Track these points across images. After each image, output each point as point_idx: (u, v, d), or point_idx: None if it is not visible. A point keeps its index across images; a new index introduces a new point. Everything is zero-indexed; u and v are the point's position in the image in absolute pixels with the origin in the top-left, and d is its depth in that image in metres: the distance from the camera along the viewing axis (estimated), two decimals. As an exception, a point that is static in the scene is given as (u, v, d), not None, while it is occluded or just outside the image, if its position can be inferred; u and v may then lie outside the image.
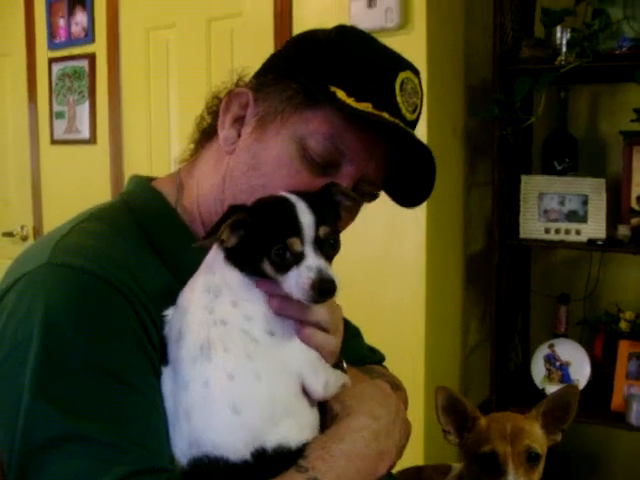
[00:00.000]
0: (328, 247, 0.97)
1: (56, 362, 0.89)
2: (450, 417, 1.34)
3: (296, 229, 0.95)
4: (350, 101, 1.03)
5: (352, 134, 1.06)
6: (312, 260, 0.94)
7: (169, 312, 1.00)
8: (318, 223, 0.96)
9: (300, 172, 1.06)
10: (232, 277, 0.99)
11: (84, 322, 0.92)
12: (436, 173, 1.11)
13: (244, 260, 0.98)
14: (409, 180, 1.16)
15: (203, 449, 0.92)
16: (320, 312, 1.01)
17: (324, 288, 0.94)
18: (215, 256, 1.02)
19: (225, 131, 1.13)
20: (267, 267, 0.96)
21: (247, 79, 1.17)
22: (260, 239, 0.96)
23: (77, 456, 0.86)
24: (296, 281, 0.94)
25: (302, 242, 0.95)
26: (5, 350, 0.93)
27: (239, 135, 1.12)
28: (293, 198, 0.98)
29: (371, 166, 1.10)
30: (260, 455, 0.92)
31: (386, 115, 1.05)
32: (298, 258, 0.95)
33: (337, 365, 1.08)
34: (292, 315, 0.99)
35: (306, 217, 0.95)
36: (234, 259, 0.99)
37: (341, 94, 1.03)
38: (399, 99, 1.08)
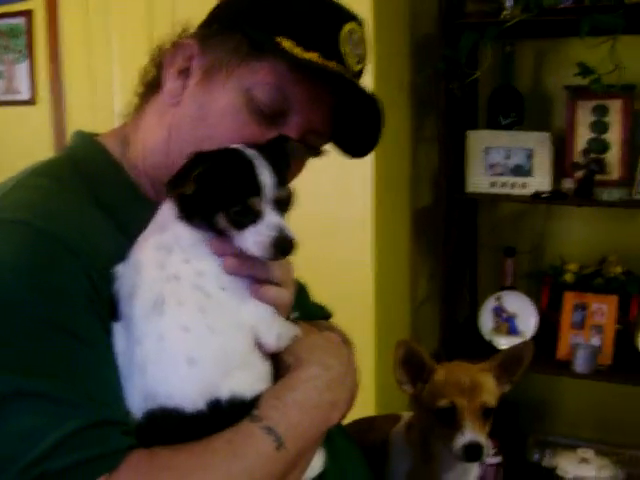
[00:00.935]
0: (285, 204, 0.99)
1: (3, 319, 0.88)
2: (405, 367, 1.35)
3: (256, 189, 0.96)
4: (297, 51, 1.03)
5: (299, 84, 1.06)
6: (272, 218, 0.96)
7: (119, 268, 0.99)
8: (278, 183, 0.97)
9: (247, 123, 1.06)
10: (184, 234, 0.99)
11: (31, 277, 0.90)
12: (383, 123, 1.12)
13: (197, 213, 0.98)
14: (356, 130, 1.16)
15: (158, 401, 0.92)
16: (273, 267, 1.02)
17: (284, 245, 0.96)
18: (167, 212, 1.01)
19: (170, 83, 1.11)
20: (223, 223, 0.96)
21: (191, 30, 1.15)
22: (219, 195, 0.96)
23: (28, 412, 0.85)
24: (255, 239, 0.95)
25: (262, 201, 0.96)
26: None
27: (184, 87, 1.10)
28: (251, 154, 0.98)
29: (318, 116, 1.10)
30: (215, 405, 0.93)
31: (333, 65, 1.05)
32: (257, 216, 0.96)
33: (287, 318, 1.08)
34: (247, 273, 1.00)
35: (266, 176, 0.96)
36: (187, 215, 0.99)
37: (287, 44, 1.03)
38: (345, 49, 1.08)
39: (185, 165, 0.96)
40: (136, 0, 3.24)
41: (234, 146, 1.00)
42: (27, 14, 3.65)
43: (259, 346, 1.00)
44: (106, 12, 3.39)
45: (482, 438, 1.27)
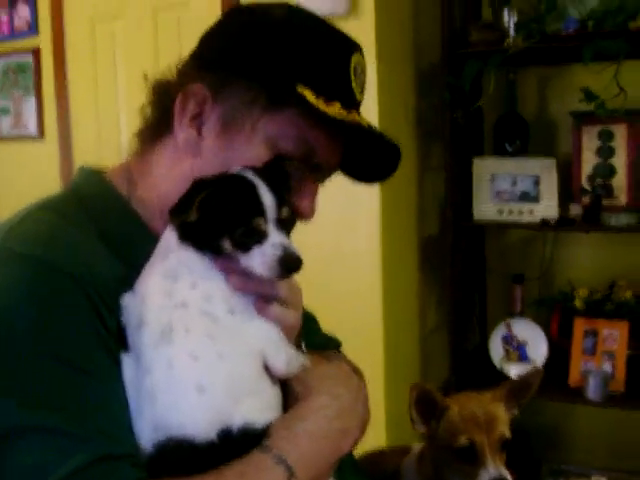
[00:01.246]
0: (288, 224, 1.00)
1: (8, 352, 0.87)
2: (418, 408, 1.34)
3: (260, 210, 0.96)
4: (320, 102, 1.03)
5: (322, 134, 1.07)
6: (276, 237, 0.96)
7: (126, 299, 0.99)
8: (280, 203, 0.98)
9: None
10: (188, 258, 0.99)
11: (37, 311, 0.90)
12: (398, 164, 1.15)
13: (201, 239, 0.98)
14: (366, 165, 1.18)
15: (168, 431, 0.91)
16: (280, 287, 1.01)
17: (290, 263, 0.96)
18: (169, 238, 1.01)
19: (185, 132, 1.08)
20: (228, 246, 0.96)
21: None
22: (222, 219, 0.96)
23: (35, 447, 0.84)
24: (261, 259, 0.95)
25: (266, 221, 0.96)
26: None
27: (199, 133, 1.07)
28: (251, 176, 0.99)
29: (336, 156, 1.12)
30: (225, 435, 0.92)
31: (354, 115, 1.07)
32: (262, 236, 0.96)
33: (298, 347, 1.07)
34: (253, 291, 0.99)
35: (267, 197, 0.97)
36: (190, 238, 0.99)
37: (308, 94, 1.03)
38: (354, 84, 1.09)
39: (187, 192, 0.96)
40: (142, 38, 3.28)
41: (232, 170, 1.01)
42: (35, 51, 3.70)
43: (268, 370, 0.99)
44: (112, 49, 3.43)
45: (506, 472, 1.26)
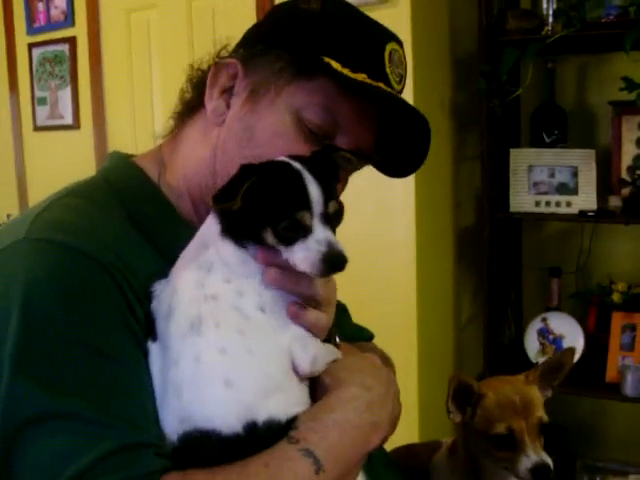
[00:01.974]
0: (334, 219, 0.96)
1: (36, 338, 0.87)
2: (455, 397, 1.31)
3: (306, 203, 0.92)
4: (346, 72, 1.02)
5: (347, 105, 1.05)
6: (321, 233, 0.92)
7: (158, 287, 0.98)
8: (327, 197, 0.94)
9: (295, 143, 1.05)
10: (227, 251, 0.97)
11: (65, 297, 0.89)
12: (430, 142, 1.10)
13: (243, 228, 0.96)
14: (399, 150, 1.15)
15: (194, 423, 0.90)
16: (315, 285, 0.99)
17: (335, 261, 0.92)
18: (210, 228, 0.99)
19: (213, 102, 1.10)
20: (270, 238, 0.93)
21: (230, 50, 1.14)
22: (266, 210, 0.93)
23: (62, 433, 0.84)
24: (304, 254, 0.92)
25: (311, 215, 0.92)
26: None
27: (228, 106, 1.09)
28: (299, 166, 0.95)
29: (364, 136, 1.09)
30: (251, 428, 0.90)
31: (382, 85, 1.05)
32: (306, 231, 0.92)
33: (329, 340, 1.06)
34: (287, 287, 0.97)
35: (315, 190, 0.93)
36: (231, 228, 0.96)
37: (336, 65, 1.02)
38: (388, 70, 1.08)
39: (233, 178, 0.94)
40: (177, 27, 3.28)
41: (281, 159, 0.98)
42: (71, 41, 3.72)
43: (294, 369, 0.97)
44: (147, 38, 3.44)
45: (547, 457, 1.23)
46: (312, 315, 0.99)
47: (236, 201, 0.91)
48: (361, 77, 1.03)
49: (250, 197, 0.92)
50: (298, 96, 1.05)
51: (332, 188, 0.97)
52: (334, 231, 0.95)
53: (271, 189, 0.93)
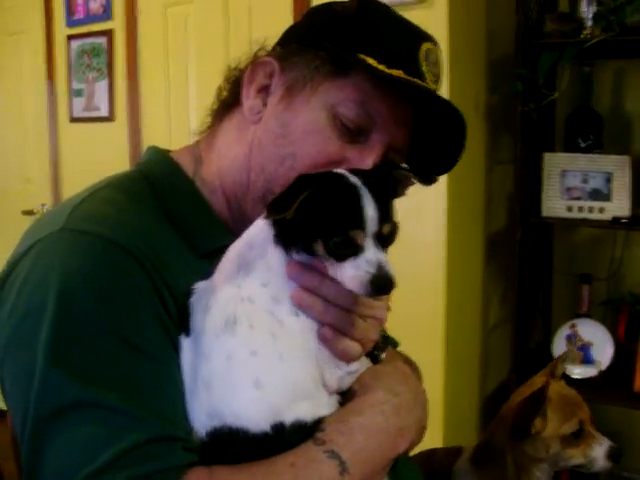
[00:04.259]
0: (387, 240, 0.94)
1: (71, 329, 0.88)
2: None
3: (360, 222, 0.91)
4: (382, 67, 1.02)
5: (383, 101, 1.05)
6: (372, 253, 0.91)
7: (201, 284, 0.99)
8: (382, 217, 0.92)
9: (331, 139, 1.05)
10: (275, 256, 0.96)
11: (100, 289, 0.91)
12: (465, 140, 1.09)
13: (296, 239, 0.95)
14: (437, 147, 1.14)
15: (223, 420, 0.91)
16: (345, 318, 0.97)
17: (382, 284, 0.91)
18: (259, 231, 0.99)
19: (250, 101, 1.11)
20: (321, 250, 0.93)
21: (267, 49, 1.15)
22: (320, 223, 0.92)
23: (91, 422, 0.85)
24: (353, 273, 0.91)
25: (364, 235, 0.91)
26: (19, 316, 0.92)
27: (264, 104, 1.10)
28: (356, 181, 0.93)
29: (399, 134, 1.09)
30: (279, 429, 0.91)
31: (418, 81, 1.04)
32: (358, 250, 0.91)
33: (372, 353, 1.06)
34: (313, 312, 0.96)
35: (371, 209, 0.91)
36: (282, 236, 0.96)
37: (372, 61, 1.02)
38: (424, 68, 1.07)
39: (289, 189, 0.93)
40: (213, 22, 3.30)
41: (339, 171, 0.97)
42: (108, 33, 3.76)
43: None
44: (184, 32, 3.46)
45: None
46: (342, 344, 0.98)
47: (290, 212, 0.90)
48: (397, 73, 1.03)
49: (304, 209, 0.91)
50: (333, 92, 1.06)
51: (388, 207, 0.95)
52: (386, 251, 0.94)
53: (326, 203, 0.92)
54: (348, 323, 0.98)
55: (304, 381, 0.95)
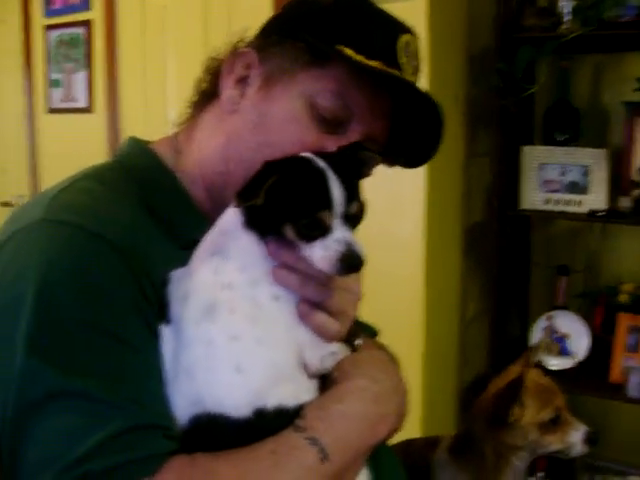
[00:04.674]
0: (355, 219, 0.96)
1: (50, 319, 0.88)
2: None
3: (328, 203, 0.93)
4: (360, 58, 1.03)
5: (361, 91, 1.05)
6: (341, 233, 0.93)
7: (177, 272, 0.99)
8: (349, 197, 0.94)
9: (308, 129, 1.05)
10: (247, 242, 0.98)
11: (79, 279, 0.90)
12: (443, 132, 1.10)
13: (264, 223, 0.97)
14: (414, 138, 1.15)
15: (205, 406, 0.91)
16: (324, 292, 0.99)
17: (352, 262, 0.93)
18: (230, 218, 1.00)
19: (228, 91, 1.11)
20: (290, 234, 0.94)
21: (247, 40, 1.15)
22: (288, 206, 0.94)
23: (71, 412, 0.85)
24: (322, 253, 0.93)
25: (332, 215, 0.93)
26: None
27: (242, 95, 1.10)
28: (322, 164, 0.95)
29: (377, 124, 1.09)
30: (260, 414, 0.92)
31: (396, 73, 1.05)
32: (326, 230, 0.93)
33: (348, 341, 1.06)
34: (293, 288, 0.97)
35: (337, 190, 0.93)
36: (254, 223, 0.97)
37: (350, 52, 1.03)
38: (403, 59, 1.08)
39: (256, 175, 0.94)
40: (192, 12, 3.28)
41: (305, 155, 0.99)
42: (87, 24, 3.73)
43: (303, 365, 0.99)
44: (162, 23, 3.44)
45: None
46: (320, 318, 0.99)
47: (259, 198, 0.92)
48: (375, 64, 1.03)
49: (272, 194, 0.93)
50: (311, 83, 1.06)
51: (355, 188, 0.97)
52: (354, 230, 0.96)
53: (293, 187, 0.94)
54: (325, 296, 0.99)
55: (285, 364, 0.96)
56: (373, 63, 1.03)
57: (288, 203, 0.93)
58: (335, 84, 1.05)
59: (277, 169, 0.94)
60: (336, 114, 1.05)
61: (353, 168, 0.99)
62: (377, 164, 1.07)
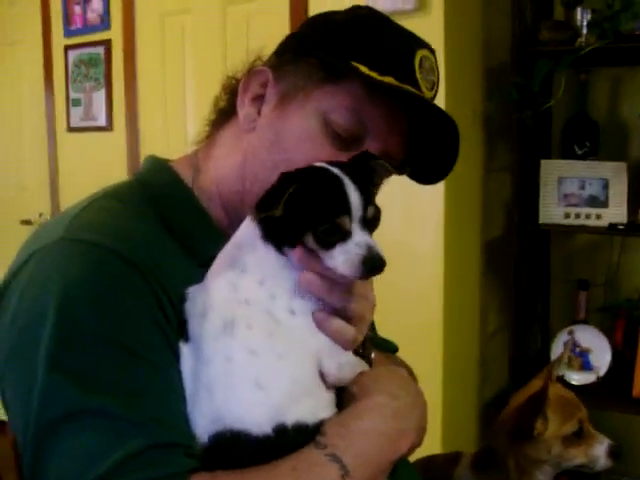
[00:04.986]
0: (372, 224, 0.97)
1: (71, 337, 0.89)
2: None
3: (346, 208, 0.94)
4: (374, 74, 1.03)
5: (375, 107, 1.05)
6: (360, 236, 0.94)
7: (193, 289, 1.00)
8: (365, 202, 0.95)
9: (324, 147, 1.06)
10: (263, 254, 0.98)
11: (99, 297, 0.91)
12: (459, 146, 1.10)
13: (284, 233, 0.97)
14: (431, 155, 1.15)
15: (225, 423, 0.91)
16: (347, 298, 0.99)
17: (374, 264, 0.93)
18: (247, 231, 1.01)
19: (245, 109, 1.12)
20: (310, 242, 0.95)
21: (264, 59, 1.16)
22: (307, 215, 0.94)
23: (92, 429, 0.86)
24: (344, 257, 0.93)
25: (351, 220, 0.94)
26: (20, 326, 0.92)
27: (259, 113, 1.11)
28: (337, 172, 0.96)
29: (393, 141, 1.09)
30: (281, 431, 0.92)
31: (410, 88, 1.05)
32: (346, 235, 0.94)
33: (363, 355, 1.07)
34: (320, 294, 0.98)
35: (354, 195, 0.94)
36: (272, 234, 0.98)
37: (364, 68, 1.03)
38: (418, 76, 1.08)
39: (274, 187, 0.95)
40: (211, 32, 3.31)
41: (319, 164, 0.99)
42: (106, 43, 3.76)
43: (321, 375, 0.98)
44: (181, 42, 3.47)
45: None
46: (337, 324, 0.99)
47: (278, 209, 0.93)
48: (389, 80, 1.04)
49: (291, 204, 0.93)
50: (326, 100, 1.06)
51: (370, 193, 0.98)
52: (372, 235, 0.97)
53: (311, 195, 0.94)
54: (347, 302, 1.00)
55: (303, 378, 0.96)
56: (387, 79, 1.03)
57: (307, 211, 0.94)
58: (350, 100, 1.05)
59: (294, 179, 0.95)
60: (351, 131, 1.06)
61: (365, 176, 1.00)
62: (388, 175, 1.07)
